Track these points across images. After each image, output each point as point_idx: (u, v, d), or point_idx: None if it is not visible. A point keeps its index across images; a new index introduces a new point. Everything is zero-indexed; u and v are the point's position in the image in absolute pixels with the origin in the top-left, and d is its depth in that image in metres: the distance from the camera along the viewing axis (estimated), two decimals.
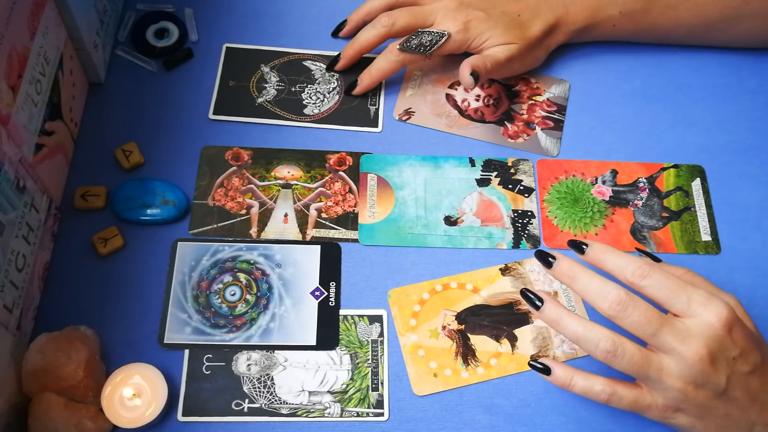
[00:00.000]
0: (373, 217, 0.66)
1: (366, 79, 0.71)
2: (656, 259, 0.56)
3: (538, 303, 0.52)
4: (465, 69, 0.66)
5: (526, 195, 0.68)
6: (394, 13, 0.70)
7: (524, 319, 0.62)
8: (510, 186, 0.69)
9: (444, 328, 0.62)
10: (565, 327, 0.51)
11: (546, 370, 0.53)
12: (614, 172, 0.70)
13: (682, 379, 0.49)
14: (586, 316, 0.62)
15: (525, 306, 0.63)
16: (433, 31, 0.68)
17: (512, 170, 0.70)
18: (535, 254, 0.53)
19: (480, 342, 0.61)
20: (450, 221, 0.66)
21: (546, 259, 0.53)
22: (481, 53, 0.69)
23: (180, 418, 0.57)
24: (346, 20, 0.75)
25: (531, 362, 0.54)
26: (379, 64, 0.70)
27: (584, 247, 0.53)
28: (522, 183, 0.69)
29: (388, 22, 0.69)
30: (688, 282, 0.51)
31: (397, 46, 0.69)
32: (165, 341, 0.59)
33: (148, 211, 0.64)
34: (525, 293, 0.53)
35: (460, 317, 0.62)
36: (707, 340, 0.48)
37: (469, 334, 0.62)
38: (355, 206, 0.67)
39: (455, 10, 0.69)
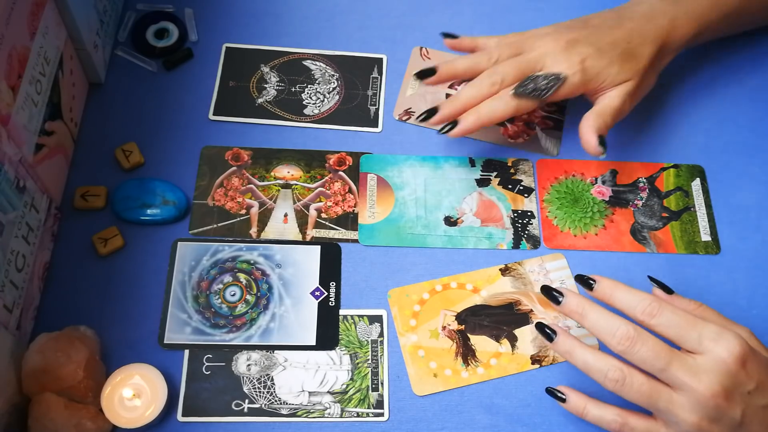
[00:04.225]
0: (373, 217, 0.66)
1: (472, 120, 0.63)
2: (668, 290, 0.55)
3: (552, 335, 0.53)
4: (590, 136, 0.62)
5: (526, 195, 0.68)
6: (498, 69, 0.63)
7: (524, 319, 0.62)
8: (510, 186, 0.69)
9: (444, 328, 0.62)
10: (576, 358, 0.52)
11: (561, 398, 0.55)
12: (614, 172, 0.70)
13: (696, 413, 0.48)
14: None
15: (525, 306, 0.63)
16: (548, 75, 0.62)
17: (512, 170, 0.70)
18: (541, 289, 0.54)
19: (480, 342, 0.61)
20: (450, 221, 0.66)
21: (553, 296, 0.53)
22: (595, 105, 0.64)
23: (180, 418, 0.57)
24: (434, 68, 0.65)
25: (548, 390, 0.55)
26: (492, 106, 0.63)
27: (592, 282, 0.53)
28: (522, 183, 0.69)
29: (497, 80, 0.63)
30: (699, 317, 0.50)
31: (511, 92, 0.62)
32: (165, 341, 0.60)
33: (148, 211, 0.64)
34: (540, 326, 0.54)
35: (460, 317, 0.62)
36: (720, 376, 0.48)
37: (469, 334, 0.62)
38: (355, 206, 0.67)
39: (564, 51, 0.63)
